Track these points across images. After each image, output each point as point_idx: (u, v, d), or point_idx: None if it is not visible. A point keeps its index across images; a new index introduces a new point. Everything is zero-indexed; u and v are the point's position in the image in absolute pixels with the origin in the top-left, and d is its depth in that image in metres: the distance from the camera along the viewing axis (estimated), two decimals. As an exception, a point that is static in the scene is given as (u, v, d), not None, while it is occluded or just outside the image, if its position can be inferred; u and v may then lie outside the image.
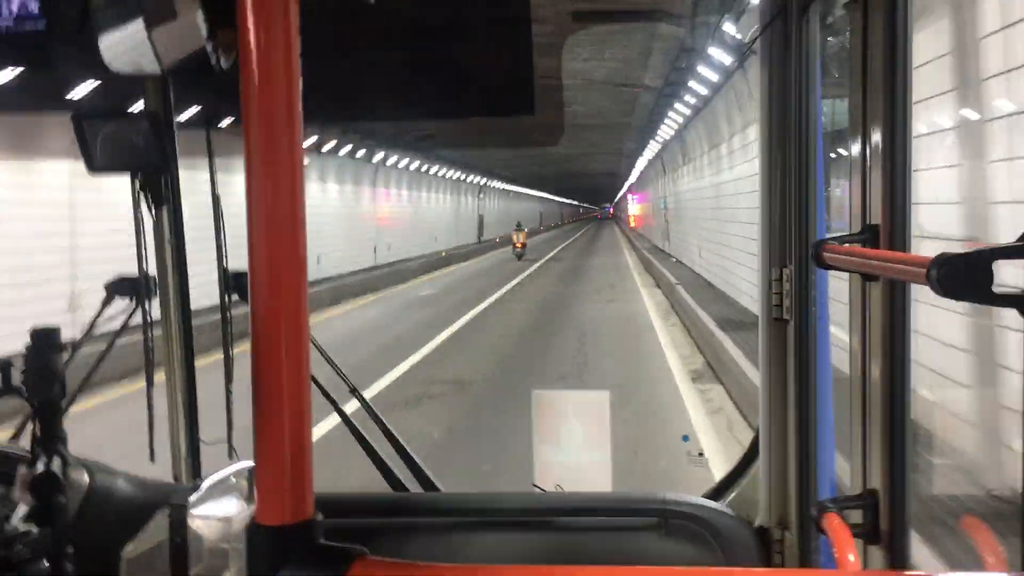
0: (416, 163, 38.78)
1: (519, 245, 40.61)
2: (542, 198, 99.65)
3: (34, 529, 1.55)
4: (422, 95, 2.04)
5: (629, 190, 73.25)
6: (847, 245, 1.55)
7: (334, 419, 2.54)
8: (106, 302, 2.34)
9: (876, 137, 1.52)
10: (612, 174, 71.00)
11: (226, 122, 2.47)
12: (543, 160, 48.46)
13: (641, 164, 50.62)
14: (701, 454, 8.55)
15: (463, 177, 52.17)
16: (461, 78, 2.01)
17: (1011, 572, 1.50)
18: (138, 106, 2.48)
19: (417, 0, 1.99)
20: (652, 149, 38.98)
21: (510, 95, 2.00)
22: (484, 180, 59.53)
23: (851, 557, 1.44)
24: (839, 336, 1.86)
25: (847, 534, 1.49)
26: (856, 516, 1.59)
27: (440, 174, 45.30)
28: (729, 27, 14.65)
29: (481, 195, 61.77)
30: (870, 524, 1.57)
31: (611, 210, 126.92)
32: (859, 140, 1.58)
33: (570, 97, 21.31)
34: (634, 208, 70.90)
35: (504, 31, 1.97)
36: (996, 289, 0.94)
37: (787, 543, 2.11)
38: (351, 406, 2.58)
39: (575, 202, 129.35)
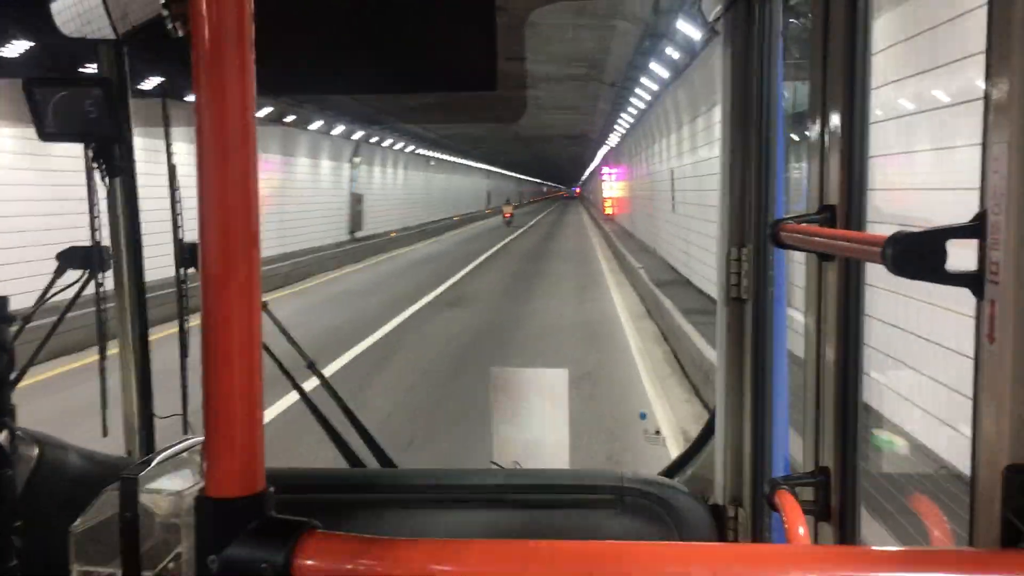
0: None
1: (507, 215, 50.69)
2: (492, 173, 76.79)
3: None
4: (381, 68, 2.01)
5: (606, 161, 48.80)
6: (804, 225, 1.56)
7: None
8: (58, 273, 2.29)
9: (834, 118, 1.53)
10: (583, 138, 47.41)
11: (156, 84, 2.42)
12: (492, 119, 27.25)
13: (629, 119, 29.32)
14: (658, 432, 8.64)
15: (308, 121, 27.59)
16: (422, 51, 1.98)
17: (958, 546, 1.53)
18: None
19: None
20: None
21: (472, 69, 1.98)
22: (366, 133, 33.47)
23: (802, 532, 1.46)
24: (795, 316, 1.87)
25: (798, 511, 1.51)
26: (808, 493, 1.61)
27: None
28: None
29: (358, 159, 33.93)
30: (821, 501, 1.59)
31: (578, 190, 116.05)
32: (817, 121, 1.59)
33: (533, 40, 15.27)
34: (613, 188, 45.61)
35: (467, 5, 1.95)
36: (949, 268, 0.96)
37: (740, 520, 2.13)
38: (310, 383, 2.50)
39: (538, 180, 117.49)
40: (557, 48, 17.89)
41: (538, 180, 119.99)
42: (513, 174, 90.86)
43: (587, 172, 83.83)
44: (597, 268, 25.05)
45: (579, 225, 51.96)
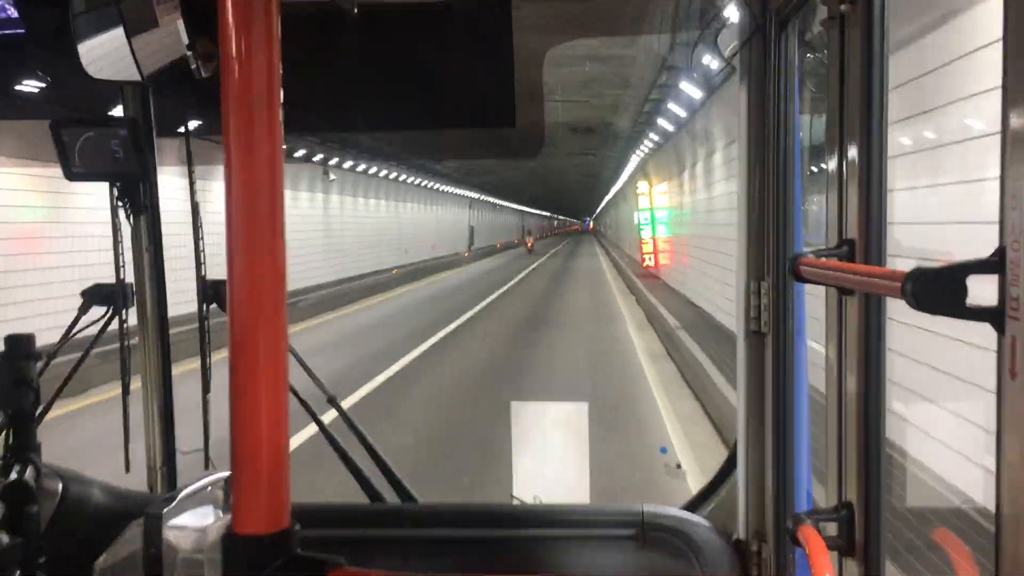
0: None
1: (529, 245, 56.11)
2: (478, 202, 58.88)
3: (5, 538, 1.53)
4: (403, 106, 2.04)
5: (642, 176, 30.94)
6: (824, 259, 1.56)
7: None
8: (82, 310, 2.32)
9: (852, 152, 1.53)
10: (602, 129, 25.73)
11: (194, 125, 2.46)
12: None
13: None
14: (679, 466, 8.57)
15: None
16: (442, 89, 2.01)
17: None
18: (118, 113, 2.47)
19: (400, 12, 1.99)
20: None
21: (491, 106, 2.00)
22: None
23: (826, 570, 1.45)
24: (816, 349, 1.87)
25: (822, 547, 1.49)
26: (832, 528, 1.60)
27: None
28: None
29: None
30: (845, 537, 1.58)
31: (591, 225, 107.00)
32: (836, 155, 1.59)
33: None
34: (661, 220, 27.24)
35: (486, 43, 1.97)
36: (970, 303, 0.95)
37: (764, 555, 2.11)
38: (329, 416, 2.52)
39: (545, 213, 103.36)
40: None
41: (546, 213, 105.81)
42: (509, 204, 73.90)
43: (605, 200, 67.32)
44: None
45: (597, 285, 31.20)
